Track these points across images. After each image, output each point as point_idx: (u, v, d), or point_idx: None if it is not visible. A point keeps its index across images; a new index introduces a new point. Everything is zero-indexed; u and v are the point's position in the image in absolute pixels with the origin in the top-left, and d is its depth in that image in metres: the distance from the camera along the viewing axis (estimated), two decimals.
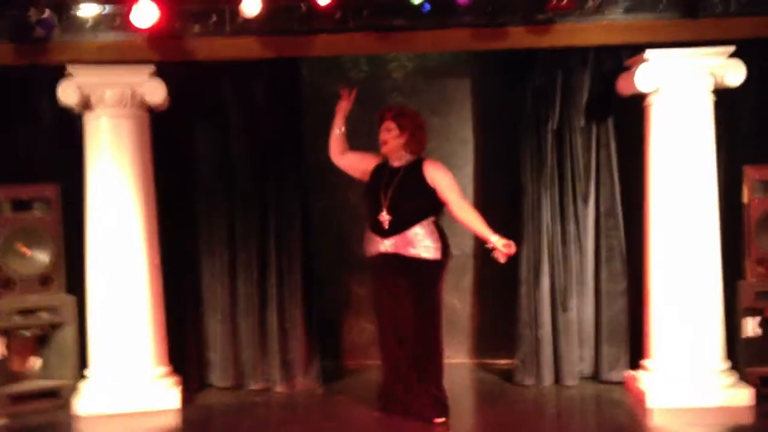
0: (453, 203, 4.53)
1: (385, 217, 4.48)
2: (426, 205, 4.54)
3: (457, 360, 5.87)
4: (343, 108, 4.84)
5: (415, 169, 4.57)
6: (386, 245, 4.50)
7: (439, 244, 4.51)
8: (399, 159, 4.61)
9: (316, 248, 5.56)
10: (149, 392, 4.91)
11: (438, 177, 4.55)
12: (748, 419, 4.55)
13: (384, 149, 4.63)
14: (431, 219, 4.56)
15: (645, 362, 4.96)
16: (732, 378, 4.81)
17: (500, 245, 4.38)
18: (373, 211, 4.55)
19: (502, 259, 4.42)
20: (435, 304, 4.53)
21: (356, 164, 4.81)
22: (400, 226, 4.48)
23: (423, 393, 4.49)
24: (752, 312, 4.91)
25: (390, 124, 4.60)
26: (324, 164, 5.86)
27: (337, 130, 4.83)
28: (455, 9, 4.77)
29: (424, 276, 4.49)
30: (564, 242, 5.29)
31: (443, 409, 4.51)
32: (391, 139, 4.58)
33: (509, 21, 4.91)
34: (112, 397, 4.87)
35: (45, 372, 5.12)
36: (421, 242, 4.47)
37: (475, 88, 5.94)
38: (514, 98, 5.45)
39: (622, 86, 5.09)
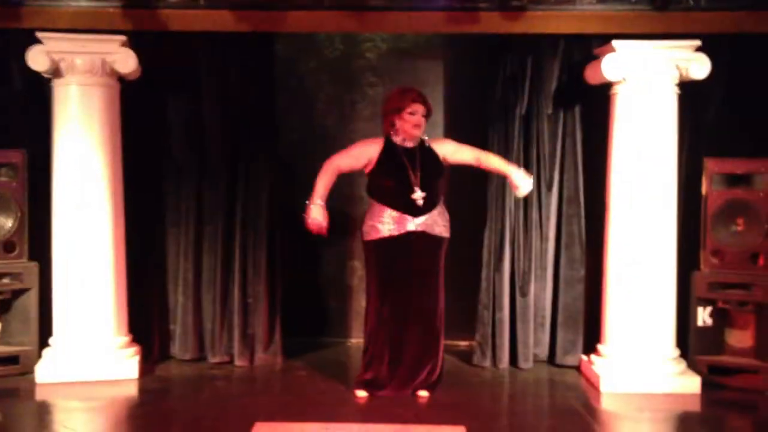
0: (479, 154, 4.68)
1: (419, 195, 4.51)
2: (444, 182, 4.65)
3: None
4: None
5: (427, 149, 4.63)
6: (417, 223, 4.52)
7: (449, 223, 4.63)
8: (414, 140, 4.63)
9: (283, 226, 5.59)
10: (110, 361, 4.93)
11: (447, 145, 4.70)
12: (695, 406, 4.65)
13: (418, 132, 4.58)
14: (444, 196, 4.67)
15: (599, 347, 5.05)
16: (682, 365, 4.90)
17: None
18: (404, 191, 4.52)
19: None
20: (443, 281, 4.65)
21: (355, 163, 4.65)
22: (430, 204, 4.54)
23: (430, 366, 4.58)
24: (705, 302, 5.00)
25: (422, 108, 4.60)
26: (295, 142, 5.91)
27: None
28: None
29: (442, 253, 4.61)
30: (526, 228, 5.35)
31: (436, 383, 4.64)
32: (424, 123, 4.62)
33: (483, 5, 4.95)
34: (73, 365, 4.88)
35: (6, 338, 5.12)
36: (442, 220, 4.59)
37: (446, 71, 5.96)
38: (484, 83, 5.47)
39: (590, 75, 5.14)
